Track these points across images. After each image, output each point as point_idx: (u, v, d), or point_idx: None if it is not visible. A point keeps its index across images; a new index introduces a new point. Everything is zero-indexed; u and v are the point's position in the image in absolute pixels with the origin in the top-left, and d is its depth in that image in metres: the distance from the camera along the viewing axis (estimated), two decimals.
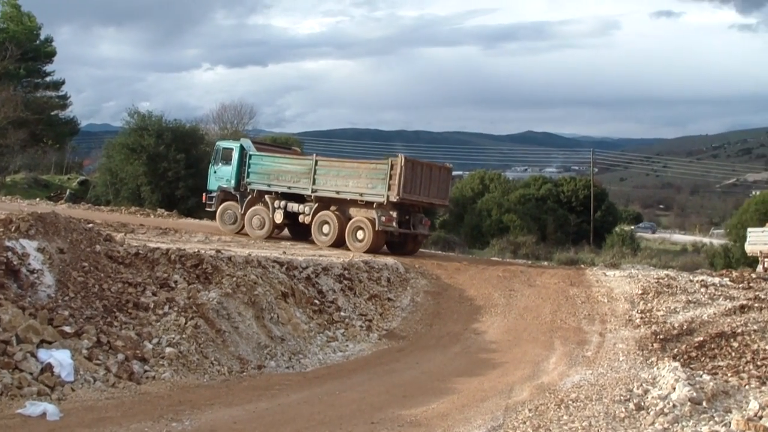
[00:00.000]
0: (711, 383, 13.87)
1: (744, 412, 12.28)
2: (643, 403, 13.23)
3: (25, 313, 13.36)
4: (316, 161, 31.71)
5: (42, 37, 68.37)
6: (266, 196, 32.67)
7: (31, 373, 12.28)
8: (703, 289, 24.88)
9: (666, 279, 26.74)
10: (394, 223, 30.07)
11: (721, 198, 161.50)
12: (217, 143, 36.18)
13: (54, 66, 70.17)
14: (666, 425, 11.96)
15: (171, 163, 46.20)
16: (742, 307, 21.98)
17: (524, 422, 12.55)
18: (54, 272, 15.42)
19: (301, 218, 31.68)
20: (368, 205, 30.36)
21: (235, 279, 18.02)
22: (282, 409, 13.12)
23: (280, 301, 18.87)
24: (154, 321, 15.59)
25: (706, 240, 79.52)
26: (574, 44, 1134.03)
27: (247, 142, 34.35)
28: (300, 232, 32.88)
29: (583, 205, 67.29)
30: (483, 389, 15.24)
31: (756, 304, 22.26)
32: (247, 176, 33.26)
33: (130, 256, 18.06)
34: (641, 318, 21.76)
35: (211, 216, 39.31)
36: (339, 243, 30.54)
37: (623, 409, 12.99)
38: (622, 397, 13.81)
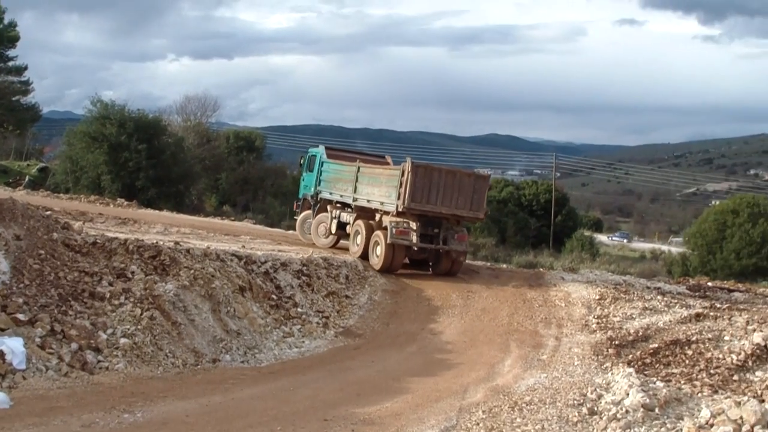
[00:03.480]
0: (664, 390, 13.95)
1: (696, 420, 12.36)
2: (596, 408, 13.29)
3: None
4: (359, 168, 29.22)
5: (5, 21, 67.78)
6: (329, 205, 31.06)
7: None
8: (659, 297, 24.99)
9: (623, 285, 26.93)
10: (413, 237, 26.69)
11: (681, 206, 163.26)
12: (309, 150, 34.33)
13: (17, 51, 69.53)
14: (618, 430, 12.04)
15: (132, 153, 45.86)
16: (697, 315, 22.08)
17: (477, 423, 12.59)
18: (9, 259, 15.29)
19: (347, 228, 29.47)
20: (387, 215, 27.37)
21: (192, 271, 17.92)
22: (235, 403, 13.09)
23: (237, 295, 18.79)
24: (109, 311, 15.49)
25: (664, 248, 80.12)
26: (540, 49, 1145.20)
27: (321, 149, 32.61)
28: None
29: (544, 209, 67.81)
30: (437, 389, 15.24)
31: (711, 313, 22.38)
32: (318, 184, 31.79)
33: (87, 245, 17.93)
34: (597, 323, 21.81)
35: (173, 207, 39.29)
36: (366, 256, 27.79)
37: (576, 414, 13.06)
38: (575, 402, 13.87)
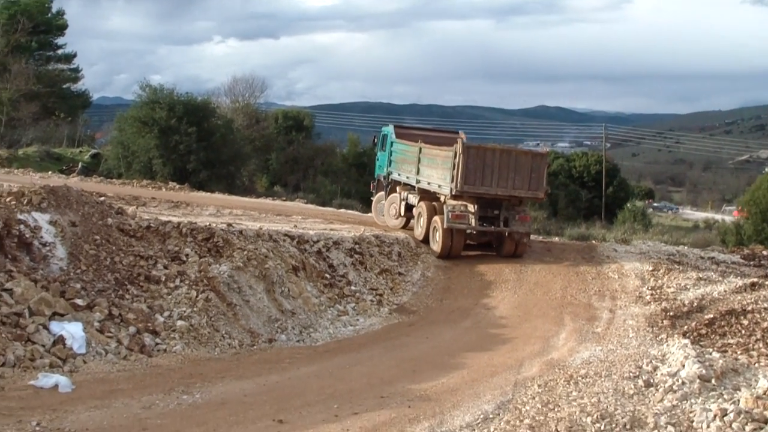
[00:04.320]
0: (720, 361, 13.82)
1: (753, 390, 12.26)
2: (652, 380, 13.19)
3: (37, 285, 13.50)
4: (420, 149, 27.93)
5: (53, 9, 68.28)
6: (398, 186, 29.94)
7: (43, 346, 12.43)
8: (714, 266, 24.87)
9: (677, 255, 26.72)
10: (471, 220, 25.53)
11: (733, 174, 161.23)
12: (382, 129, 32.94)
13: (65, 39, 70.21)
14: (675, 402, 11.94)
15: (183, 137, 45.91)
16: (752, 284, 21.90)
17: (533, 397, 12.55)
18: (66, 245, 15.52)
19: (414, 211, 28.29)
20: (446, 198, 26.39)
21: (246, 252, 18.08)
22: (292, 382, 13.21)
23: (290, 275, 18.93)
24: (165, 294, 15.71)
25: (718, 217, 79.34)
26: (587, 18, 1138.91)
27: (389, 128, 31.45)
28: None
29: (595, 180, 67.39)
30: (493, 364, 15.25)
31: (767, 282, 22.22)
32: (389, 164, 30.74)
33: (141, 229, 18.12)
34: (651, 295, 21.70)
35: (224, 189, 39.55)
36: (428, 240, 26.76)
37: (632, 386, 12.95)
38: (631, 374, 13.76)
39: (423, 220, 27.05)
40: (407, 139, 29.93)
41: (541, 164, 26.37)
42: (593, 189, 66.71)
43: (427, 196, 27.50)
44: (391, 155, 30.57)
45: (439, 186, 26.25)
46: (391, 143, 30.57)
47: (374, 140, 33.88)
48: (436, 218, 26.15)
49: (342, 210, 36.50)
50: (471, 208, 25.64)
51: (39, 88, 58.30)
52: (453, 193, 25.27)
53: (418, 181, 27.85)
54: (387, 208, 30.61)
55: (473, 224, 25.74)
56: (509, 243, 26.49)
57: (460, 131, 32.63)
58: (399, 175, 29.79)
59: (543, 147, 28.56)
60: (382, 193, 31.36)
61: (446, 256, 25.88)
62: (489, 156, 25.57)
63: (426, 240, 26.66)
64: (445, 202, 26.39)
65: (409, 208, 28.88)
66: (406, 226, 29.43)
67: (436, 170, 26.69)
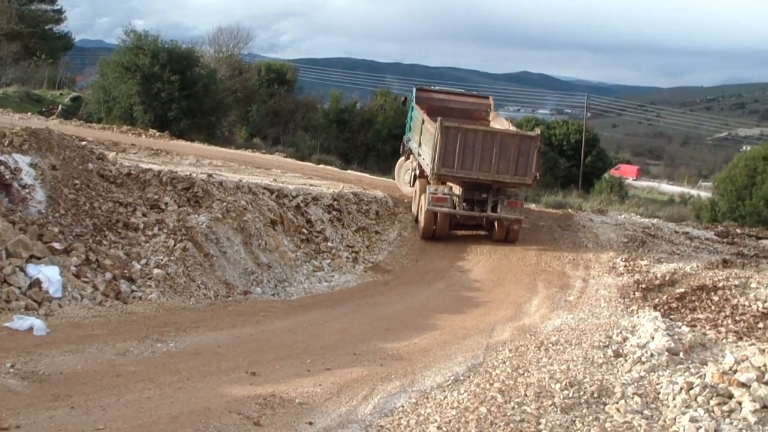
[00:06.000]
0: (689, 335, 13.99)
1: (719, 366, 12.41)
2: (621, 351, 13.34)
3: (15, 227, 13.49)
4: (423, 119, 25.59)
5: None
6: (411, 154, 28.13)
7: (19, 288, 12.45)
8: (687, 242, 25.06)
9: (652, 228, 26.89)
10: (455, 204, 23.80)
11: (711, 151, 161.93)
12: (413, 89, 30.38)
13: None
14: (642, 373, 12.09)
15: (165, 84, 45.55)
16: (724, 261, 22.18)
17: (504, 362, 12.67)
18: (45, 188, 15.50)
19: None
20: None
21: (225, 204, 18.13)
22: (266, 335, 13.30)
23: (268, 228, 19.01)
24: (143, 242, 15.76)
25: (693, 192, 79.78)
26: None
27: (412, 91, 29.65)
28: None
29: (574, 149, 67.28)
30: (465, 327, 15.36)
31: (739, 260, 22.46)
32: (409, 129, 28.93)
33: (122, 175, 18.14)
34: (625, 266, 21.85)
35: (204, 139, 39.51)
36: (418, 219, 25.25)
37: (602, 355, 13.10)
38: (601, 343, 13.91)
39: (416, 198, 25.75)
40: (427, 104, 27.96)
41: (531, 147, 23.74)
42: (572, 158, 66.63)
43: (423, 172, 25.73)
44: (410, 120, 28.99)
45: (427, 164, 24.45)
46: (411, 107, 29.00)
47: (404, 101, 32.69)
48: (422, 197, 24.46)
49: (321, 166, 36.42)
50: (456, 190, 24.20)
51: (21, 28, 57.76)
52: (431, 175, 23.91)
53: (419, 154, 26.14)
54: (402, 174, 29.83)
55: (456, 208, 24.02)
56: (499, 229, 24.48)
57: (489, 96, 30.97)
58: (411, 142, 28.02)
59: (533, 131, 26.32)
60: (403, 158, 30.25)
61: (430, 238, 24.28)
62: (471, 137, 23.52)
63: (417, 220, 25.41)
64: (429, 181, 24.56)
65: (416, 178, 26.93)
66: None
67: (427, 146, 24.63)
